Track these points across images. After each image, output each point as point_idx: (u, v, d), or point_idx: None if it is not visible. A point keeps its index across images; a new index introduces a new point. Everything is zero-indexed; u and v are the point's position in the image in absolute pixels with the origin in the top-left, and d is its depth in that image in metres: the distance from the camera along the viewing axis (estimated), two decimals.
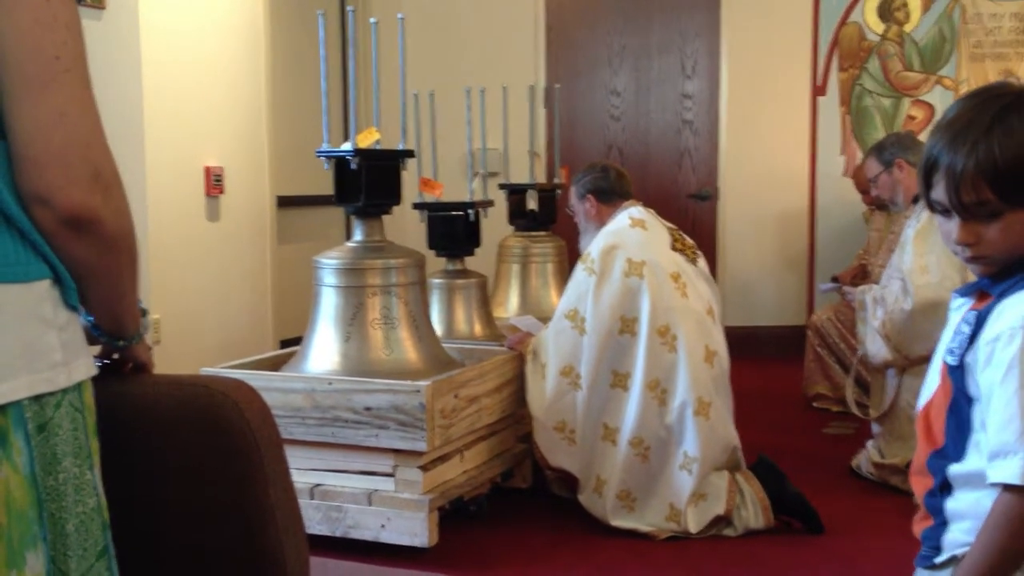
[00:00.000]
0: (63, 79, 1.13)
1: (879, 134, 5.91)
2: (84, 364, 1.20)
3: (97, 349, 1.38)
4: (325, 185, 3.30)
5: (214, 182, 4.43)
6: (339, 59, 5.77)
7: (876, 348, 3.57)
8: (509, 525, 3.27)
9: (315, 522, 2.94)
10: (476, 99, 4.14)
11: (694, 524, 3.14)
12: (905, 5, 6.00)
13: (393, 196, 3.25)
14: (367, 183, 3.12)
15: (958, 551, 1.41)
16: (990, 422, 1.33)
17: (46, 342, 1.14)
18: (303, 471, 2.98)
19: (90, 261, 1.19)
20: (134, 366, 1.45)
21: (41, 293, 1.15)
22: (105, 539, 1.22)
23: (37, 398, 1.13)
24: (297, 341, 3.44)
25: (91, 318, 1.34)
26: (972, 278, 1.49)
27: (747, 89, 6.08)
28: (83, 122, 1.14)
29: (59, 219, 1.13)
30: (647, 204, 3.60)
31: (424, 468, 2.92)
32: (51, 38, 1.12)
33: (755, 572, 2.92)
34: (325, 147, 3.15)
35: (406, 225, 5.05)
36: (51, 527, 1.15)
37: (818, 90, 6.10)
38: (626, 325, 3.20)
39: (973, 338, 1.37)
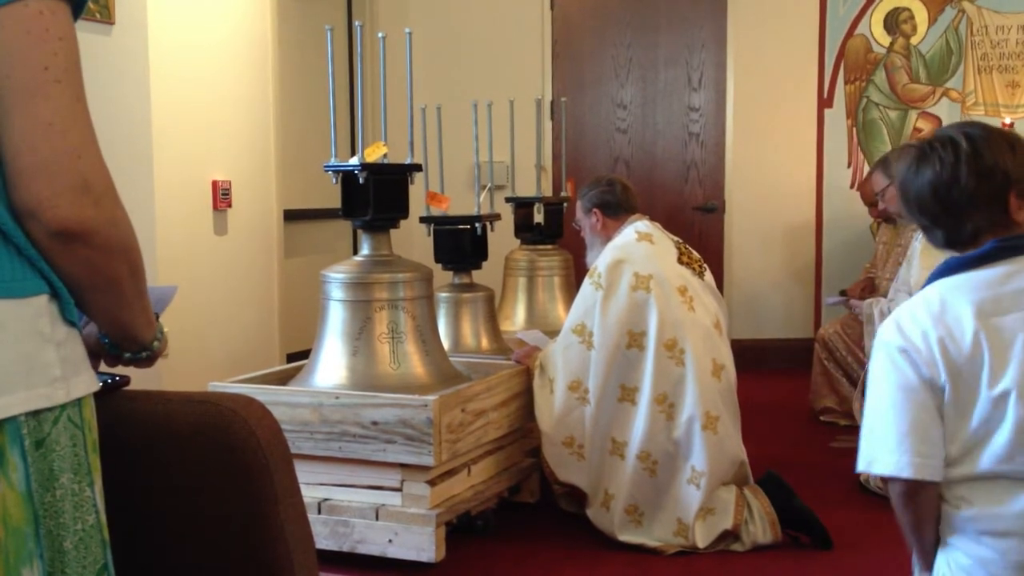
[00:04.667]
0: (51, 90, 1.11)
1: (886, 147, 5.91)
2: (84, 380, 1.19)
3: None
4: (332, 199, 3.30)
5: (222, 196, 4.44)
6: (346, 73, 5.79)
7: None
8: (516, 540, 3.26)
9: (322, 537, 2.93)
10: (483, 113, 4.15)
11: (702, 539, 3.12)
12: (912, 17, 6.00)
13: (400, 210, 3.25)
14: (374, 197, 3.12)
15: None
16: None
17: (44, 358, 1.13)
18: (310, 486, 2.98)
19: (85, 272, 1.17)
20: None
21: (38, 308, 1.13)
22: (105, 557, 1.21)
23: (35, 414, 1.12)
24: (304, 355, 3.44)
25: (105, 339, 1.33)
26: None
27: (754, 101, 6.08)
28: (72, 133, 1.12)
29: (48, 232, 1.12)
30: (653, 217, 3.61)
31: (431, 483, 2.92)
32: (42, 49, 1.11)
33: None
34: (333, 161, 3.16)
35: (413, 239, 5.06)
36: (48, 544, 1.14)
37: (825, 102, 6.10)
38: (634, 339, 3.19)
39: None
